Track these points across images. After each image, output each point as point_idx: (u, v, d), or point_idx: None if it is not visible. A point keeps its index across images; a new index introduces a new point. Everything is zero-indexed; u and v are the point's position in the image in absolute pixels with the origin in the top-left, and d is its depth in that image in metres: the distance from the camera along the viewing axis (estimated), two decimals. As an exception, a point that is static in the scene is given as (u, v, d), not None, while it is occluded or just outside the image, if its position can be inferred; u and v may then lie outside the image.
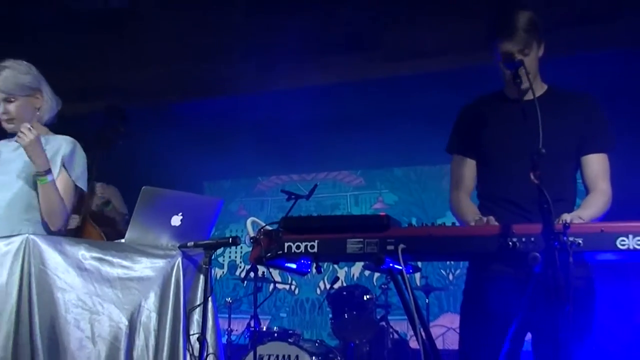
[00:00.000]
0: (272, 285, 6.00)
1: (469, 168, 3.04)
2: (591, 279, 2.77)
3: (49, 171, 3.25)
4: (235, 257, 7.52)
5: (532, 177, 2.28)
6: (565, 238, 2.27)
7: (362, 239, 2.48)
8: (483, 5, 4.53)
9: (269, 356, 5.08)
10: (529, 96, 2.66)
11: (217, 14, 5.81)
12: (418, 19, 5.93)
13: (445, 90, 5.61)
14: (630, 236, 2.29)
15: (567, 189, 2.90)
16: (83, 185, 3.45)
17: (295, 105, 6.36)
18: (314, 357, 5.03)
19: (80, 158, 3.46)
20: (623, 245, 2.29)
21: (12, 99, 3.35)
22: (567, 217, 2.51)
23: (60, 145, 3.42)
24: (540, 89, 2.97)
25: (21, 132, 3.21)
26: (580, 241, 2.32)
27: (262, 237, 2.59)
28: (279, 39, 6.05)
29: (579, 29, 5.40)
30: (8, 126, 3.39)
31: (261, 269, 5.40)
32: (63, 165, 3.37)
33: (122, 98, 6.50)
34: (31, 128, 3.22)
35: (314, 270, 2.69)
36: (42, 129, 3.47)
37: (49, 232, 3.39)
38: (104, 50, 6.39)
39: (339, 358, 5.26)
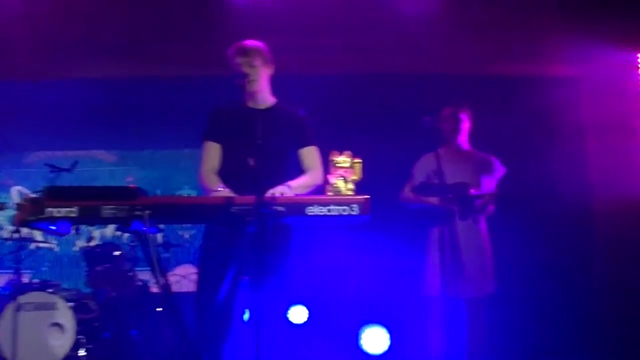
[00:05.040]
0: (33, 244, 5.52)
1: (215, 151, 3.15)
2: (288, 236, 2.99)
3: None
4: (1, 220, 6.77)
5: (250, 162, 2.41)
6: (272, 206, 2.42)
7: (114, 206, 2.43)
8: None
9: (31, 304, 4.71)
10: (256, 105, 2.91)
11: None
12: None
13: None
14: (315, 205, 2.49)
15: (282, 173, 3.07)
16: None
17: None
18: (69, 302, 4.77)
19: None
20: (311, 212, 2.49)
21: None
22: (274, 190, 2.67)
23: None
24: (270, 100, 3.21)
25: None
26: (283, 209, 2.48)
27: (26, 203, 2.44)
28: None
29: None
30: None
31: (25, 230, 4.93)
32: None
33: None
34: None
35: (73, 231, 2.55)
36: None
37: None
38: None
39: (90, 302, 5.05)
